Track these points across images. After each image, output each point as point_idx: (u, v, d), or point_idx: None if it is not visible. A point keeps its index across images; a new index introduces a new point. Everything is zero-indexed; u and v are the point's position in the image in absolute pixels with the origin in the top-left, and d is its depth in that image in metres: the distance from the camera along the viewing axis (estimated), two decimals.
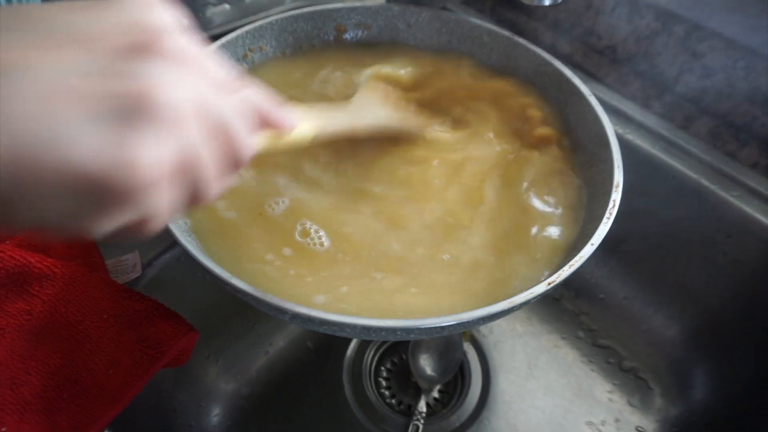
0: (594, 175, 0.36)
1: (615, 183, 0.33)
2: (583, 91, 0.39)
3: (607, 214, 0.31)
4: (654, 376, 0.51)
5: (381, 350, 0.53)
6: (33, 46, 0.17)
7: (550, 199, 0.36)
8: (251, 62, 0.45)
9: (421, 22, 0.47)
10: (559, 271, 0.28)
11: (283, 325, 0.52)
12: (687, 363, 0.49)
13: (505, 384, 0.51)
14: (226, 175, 0.20)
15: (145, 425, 0.38)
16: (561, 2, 0.36)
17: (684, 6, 0.48)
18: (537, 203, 0.36)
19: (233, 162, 0.20)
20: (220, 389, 0.47)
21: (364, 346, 0.53)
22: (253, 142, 0.21)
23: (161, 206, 0.18)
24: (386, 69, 0.43)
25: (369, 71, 0.43)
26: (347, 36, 0.48)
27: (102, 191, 0.16)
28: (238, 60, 0.44)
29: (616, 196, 0.32)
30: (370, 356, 0.53)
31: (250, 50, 0.45)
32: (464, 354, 0.53)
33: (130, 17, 0.18)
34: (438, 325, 0.26)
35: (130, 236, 0.19)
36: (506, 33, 0.43)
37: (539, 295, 0.27)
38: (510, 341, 0.54)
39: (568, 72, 0.40)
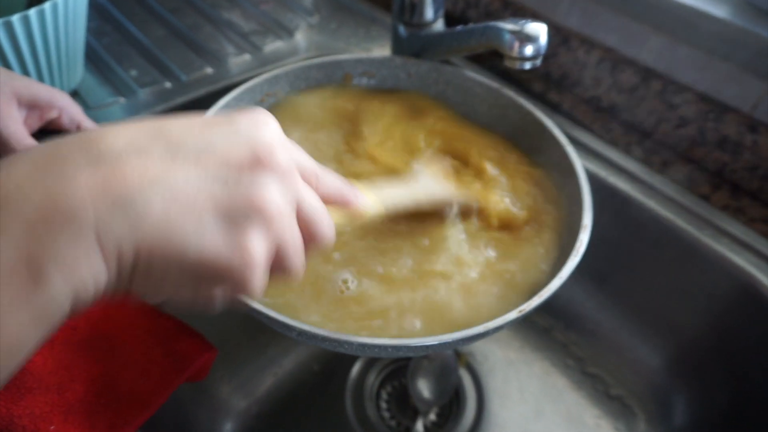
0: (571, 219, 0.40)
1: (583, 224, 0.37)
2: (560, 140, 0.43)
3: (574, 252, 0.35)
4: (638, 402, 0.54)
5: (382, 374, 0.57)
6: (172, 161, 0.21)
7: (537, 240, 0.40)
8: (266, 105, 0.50)
9: (420, 72, 0.52)
10: (530, 301, 0.32)
11: (292, 349, 0.56)
12: (668, 390, 0.52)
13: (498, 408, 0.54)
14: (310, 251, 0.25)
15: (167, 426, 0.42)
16: (540, 65, 0.41)
17: (660, 63, 0.54)
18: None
19: (316, 241, 0.25)
20: (233, 407, 0.51)
21: (366, 370, 0.57)
22: (332, 226, 0.26)
23: (259, 282, 0.22)
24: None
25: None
26: (353, 83, 0.53)
27: (220, 276, 0.21)
28: (255, 103, 0.49)
29: (584, 236, 0.36)
30: (371, 380, 0.56)
31: (267, 95, 0.50)
32: (460, 379, 0.56)
33: (247, 135, 0.23)
34: (423, 344, 0.30)
35: (226, 305, 0.24)
36: (495, 85, 0.48)
37: (511, 321, 0.31)
38: (503, 368, 0.57)
39: (548, 122, 0.45)
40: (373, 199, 0.32)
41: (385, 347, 0.30)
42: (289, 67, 0.50)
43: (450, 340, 0.30)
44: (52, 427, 0.31)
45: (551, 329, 0.60)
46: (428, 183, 0.41)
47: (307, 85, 0.52)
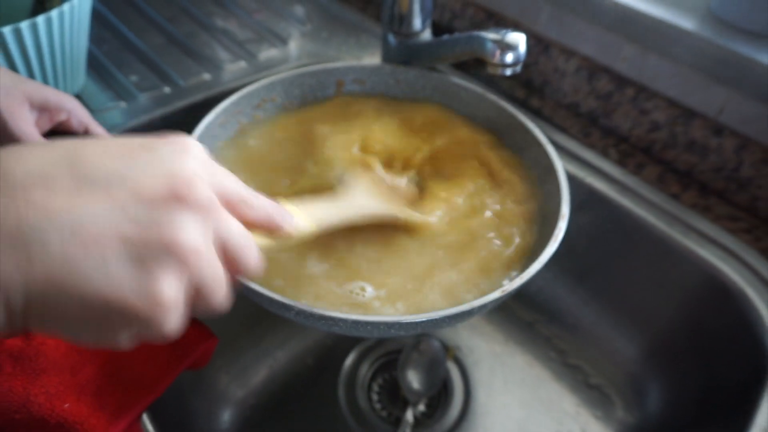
0: (549, 208, 0.43)
1: (562, 214, 0.40)
2: (539, 139, 0.46)
3: (553, 238, 0.38)
4: (616, 391, 0.57)
5: (374, 367, 0.59)
6: (79, 193, 0.19)
7: (515, 230, 0.43)
8: (264, 110, 0.53)
9: (408, 79, 0.55)
10: (511, 282, 0.35)
11: (286, 342, 0.58)
12: (644, 379, 0.55)
13: (483, 398, 0.57)
14: (235, 284, 0.25)
15: (169, 418, 0.44)
16: (520, 71, 0.44)
17: (633, 71, 0.57)
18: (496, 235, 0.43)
19: (242, 272, 0.24)
20: (230, 396, 0.53)
21: (358, 362, 0.59)
22: (257, 254, 0.25)
23: (174, 324, 0.21)
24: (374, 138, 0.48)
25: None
26: (345, 89, 0.56)
27: (126, 318, 0.20)
28: (253, 108, 0.52)
29: (562, 224, 0.39)
30: (363, 372, 0.58)
31: (263, 100, 0.53)
32: (448, 371, 0.59)
33: (166, 166, 0.21)
34: (412, 321, 0.32)
35: (144, 341, 0.22)
36: (479, 89, 0.51)
37: (495, 300, 0.34)
38: (489, 360, 0.60)
39: (529, 123, 0.48)
40: (304, 218, 0.31)
41: (377, 324, 0.33)
42: (284, 74, 0.53)
43: (438, 317, 0.33)
44: (66, 405, 0.33)
45: (535, 323, 0.63)
46: (359, 198, 0.40)
47: (301, 91, 0.54)
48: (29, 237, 0.18)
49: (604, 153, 0.58)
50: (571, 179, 0.56)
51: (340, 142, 0.48)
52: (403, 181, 0.46)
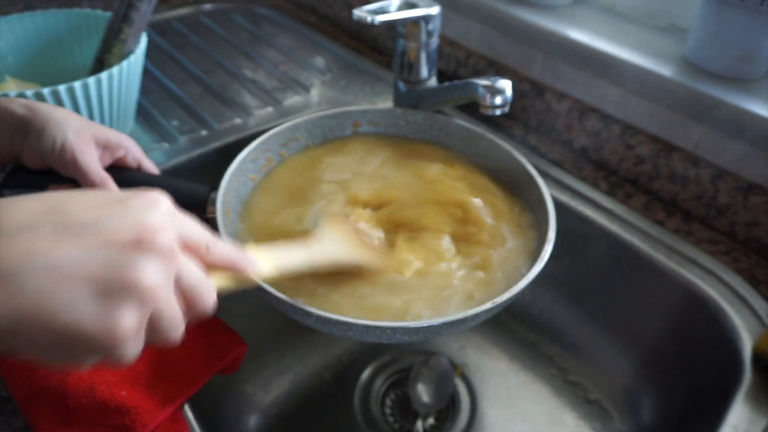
0: (540, 234, 0.49)
1: (548, 238, 0.45)
2: (532, 173, 0.52)
3: (539, 259, 0.43)
4: (613, 405, 0.61)
5: (387, 382, 0.64)
6: (57, 239, 0.23)
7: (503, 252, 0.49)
8: (289, 148, 0.60)
9: (417, 121, 0.62)
10: (501, 296, 0.40)
11: (306, 358, 0.64)
12: (637, 392, 0.59)
13: (489, 412, 0.61)
14: (192, 320, 0.28)
15: (205, 417, 0.49)
16: (508, 111, 0.51)
17: (618, 111, 0.64)
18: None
19: (197, 310, 0.28)
20: (257, 404, 0.58)
21: (372, 378, 0.64)
22: (211, 296, 0.28)
23: (131, 351, 0.25)
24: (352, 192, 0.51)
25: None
26: (361, 130, 0.63)
27: (88, 346, 0.23)
28: (280, 146, 0.59)
29: (548, 247, 0.44)
30: (377, 386, 0.63)
31: (289, 140, 0.60)
32: (456, 386, 0.63)
33: (134, 217, 0.25)
34: (416, 326, 0.38)
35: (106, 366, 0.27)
36: (478, 129, 0.58)
37: (486, 310, 0.39)
38: (494, 377, 0.65)
39: (522, 159, 0.54)
40: (267, 261, 0.35)
41: (384, 329, 0.38)
42: (306, 117, 0.61)
43: (437, 324, 0.38)
44: (123, 392, 0.39)
45: (538, 343, 0.68)
46: (330, 245, 0.42)
47: (322, 131, 0.62)
48: (10, 275, 0.22)
49: (595, 184, 0.64)
50: (566, 209, 0.62)
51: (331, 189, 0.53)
52: (376, 233, 0.49)
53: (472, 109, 0.75)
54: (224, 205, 0.48)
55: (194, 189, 0.48)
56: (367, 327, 0.39)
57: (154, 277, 0.24)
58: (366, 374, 0.64)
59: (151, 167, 0.51)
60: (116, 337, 0.23)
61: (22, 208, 0.24)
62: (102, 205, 0.25)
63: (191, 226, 0.28)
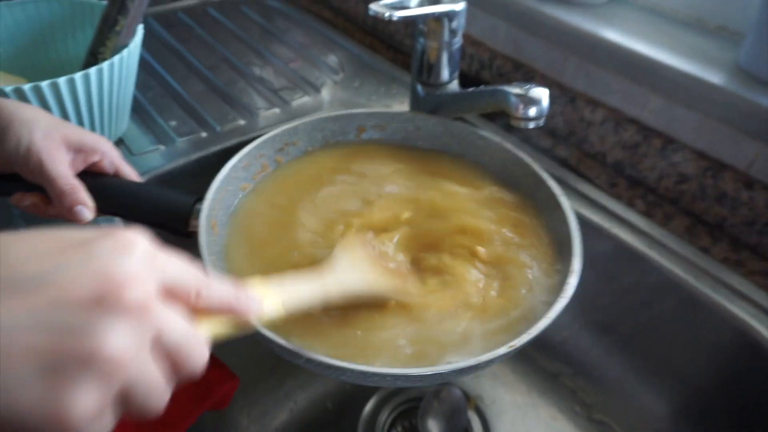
0: (563, 266, 0.43)
1: (572, 269, 0.40)
2: (555, 191, 0.46)
3: (562, 294, 0.38)
4: None
5: (393, 414, 0.59)
6: None
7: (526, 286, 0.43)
8: (286, 153, 0.54)
9: (427, 126, 0.56)
10: (519, 338, 0.35)
11: (307, 385, 0.58)
12: None
13: None
14: (178, 383, 0.23)
15: None
16: (543, 125, 0.45)
17: (660, 122, 0.57)
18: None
19: (184, 372, 0.23)
20: None
21: (378, 409, 0.58)
22: (202, 353, 0.23)
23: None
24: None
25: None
26: (365, 135, 0.58)
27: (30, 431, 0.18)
28: (276, 152, 0.53)
29: (573, 280, 0.39)
30: (383, 419, 0.58)
31: (286, 144, 0.54)
32: (469, 421, 0.58)
33: (98, 265, 0.20)
34: (418, 374, 0.33)
35: None
36: (496, 138, 0.52)
37: (501, 356, 0.34)
38: (511, 412, 0.59)
39: (543, 173, 0.48)
40: (274, 300, 0.30)
41: (383, 375, 0.33)
42: (306, 119, 0.55)
43: (444, 371, 0.33)
44: None
45: (559, 375, 0.62)
46: (347, 273, 0.37)
47: (323, 136, 0.56)
48: None
49: (630, 204, 0.58)
50: (597, 230, 0.56)
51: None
52: (398, 256, 0.43)
53: (493, 116, 0.69)
54: (210, 218, 0.43)
55: (177, 199, 0.43)
56: (364, 373, 0.33)
57: (120, 343, 0.19)
58: (371, 404, 0.59)
59: (131, 174, 0.45)
60: (68, 423, 0.18)
61: None
62: (54, 252, 0.20)
63: (177, 268, 0.23)
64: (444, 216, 0.47)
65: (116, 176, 0.44)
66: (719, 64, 0.55)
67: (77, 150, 0.42)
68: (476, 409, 0.59)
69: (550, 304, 0.38)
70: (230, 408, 0.51)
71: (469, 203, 0.49)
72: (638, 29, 0.60)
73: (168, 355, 0.22)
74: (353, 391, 0.59)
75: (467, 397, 0.59)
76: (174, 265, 0.23)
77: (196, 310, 0.24)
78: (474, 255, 0.43)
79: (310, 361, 0.33)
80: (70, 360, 0.18)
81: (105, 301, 0.19)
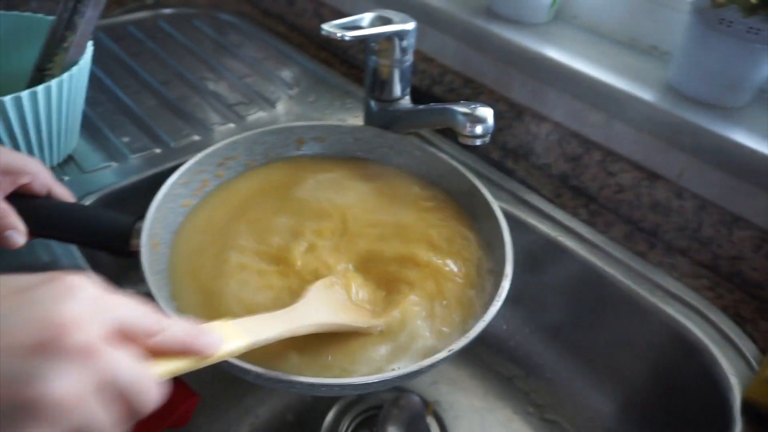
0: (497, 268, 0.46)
1: (505, 273, 0.42)
2: (487, 199, 0.49)
3: (497, 297, 0.40)
4: None
5: (354, 423, 0.59)
6: None
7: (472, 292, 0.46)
8: (227, 168, 0.54)
9: (366, 137, 0.58)
10: (457, 341, 0.37)
11: (267, 399, 0.59)
12: None
13: None
14: (133, 421, 0.23)
15: None
16: (490, 140, 0.47)
17: (599, 136, 0.61)
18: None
19: (137, 411, 0.23)
20: None
21: (338, 419, 0.59)
22: (152, 392, 0.23)
23: None
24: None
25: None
26: (305, 147, 0.58)
27: None
28: (216, 167, 0.53)
29: (506, 284, 0.42)
30: (344, 428, 0.59)
31: (226, 159, 0.54)
32: (428, 427, 0.59)
33: (38, 312, 0.20)
34: (365, 382, 0.34)
35: None
36: (432, 149, 0.54)
37: (441, 360, 0.36)
38: (468, 416, 0.61)
39: (477, 182, 0.51)
40: (235, 334, 0.30)
41: (331, 386, 0.34)
42: (246, 133, 0.55)
43: (389, 378, 0.35)
44: None
45: (513, 378, 0.64)
46: (313, 309, 0.39)
47: (263, 149, 0.56)
48: None
49: (574, 213, 0.61)
50: (544, 238, 0.59)
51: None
52: (362, 292, 0.45)
53: (448, 131, 0.71)
54: (151, 237, 0.43)
55: (116, 219, 0.43)
56: (312, 384, 0.34)
57: (64, 387, 0.19)
58: (332, 414, 0.60)
59: (65, 194, 0.45)
60: None
61: None
62: None
63: (129, 309, 0.24)
64: (384, 233, 0.49)
65: (49, 198, 0.43)
66: (651, 82, 0.59)
67: (4, 172, 0.40)
68: (435, 415, 0.60)
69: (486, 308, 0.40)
70: (190, 425, 0.51)
71: (408, 214, 0.51)
72: (578, 48, 0.63)
73: (118, 395, 0.22)
74: (313, 403, 0.60)
75: (425, 403, 0.61)
76: (125, 306, 0.23)
77: (153, 350, 0.25)
78: (412, 283, 0.45)
79: (259, 376, 0.34)
80: (18, 407, 0.19)
81: (48, 346, 0.20)
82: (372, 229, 0.49)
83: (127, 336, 0.23)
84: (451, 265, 0.46)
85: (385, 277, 0.46)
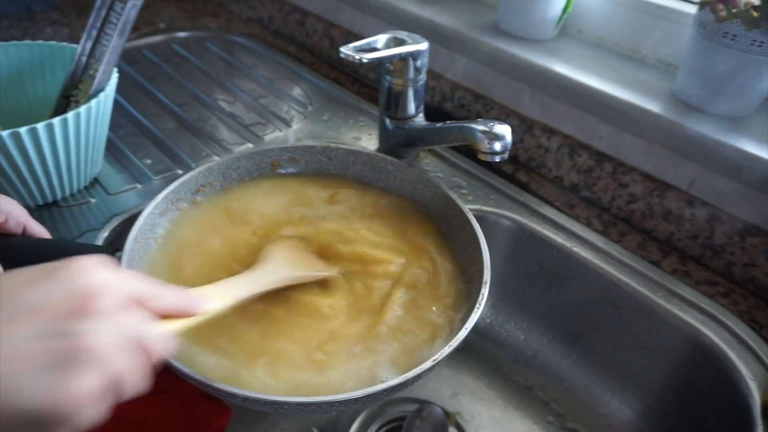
0: (474, 275, 0.47)
1: (484, 281, 0.43)
2: (463, 209, 0.51)
3: (477, 305, 0.41)
4: None
5: None
6: (4, 320, 0.24)
7: (449, 301, 0.47)
8: (203, 194, 0.55)
9: (339, 156, 0.59)
10: (441, 351, 0.38)
11: (291, 414, 0.60)
12: None
13: None
14: (147, 370, 0.28)
15: None
16: (508, 157, 0.49)
17: (610, 148, 0.63)
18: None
19: (151, 361, 0.28)
20: None
21: (364, 429, 0.60)
22: (165, 342, 0.29)
23: (92, 415, 0.25)
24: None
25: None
26: (280, 169, 0.59)
27: (46, 421, 0.24)
28: (192, 194, 0.54)
29: (485, 290, 0.42)
30: None
31: (202, 185, 0.55)
32: None
33: (68, 286, 0.25)
34: (352, 397, 0.35)
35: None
36: (404, 164, 0.56)
37: (427, 370, 0.37)
38: (490, 426, 0.62)
39: (451, 193, 0.53)
40: (219, 295, 0.36)
41: (319, 404, 0.35)
42: (220, 159, 0.56)
43: (376, 391, 0.36)
44: None
45: (532, 388, 0.65)
46: (277, 266, 0.44)
47: (238, 174, 0.57)
48: None
49: (588, 223, 0.63)
50: (558, 249, 0.60)
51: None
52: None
53: (462, 147, 0.73)
54: (130, 269, 0.44)
55: (93, 251, 0.44)
56: (300, 404, 0.36)
57: (104, 338, 0.25)
58: (356, 426, 0.61)
59: (40, 231, 0.46)
60: (76, 405, 0.23)
61: None
62: (31, 283, 0.26)
63: (136, 280, 0.29)
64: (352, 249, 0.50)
65: (24, 235, 0.44)
66: (657, 93, 0.61)
67: None
68: (457, 426, 0.61)
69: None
70: None
71: (378, 230, 0.53)
72: (584, 62, 0.65)
73: (140, 348, 0.27)
74: (337, 416, 0.61)
75: (447, 414, 0.62)
76: (132, 278, 0.29)
77: (157, 312, 0.30)
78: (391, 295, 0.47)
79: (246, 399, 0.35)
80: (70, 356, 0.24)
81: (83, 310, 0.25)
82: (332, 235, 0.52)
83: (137, 302, 0.28)
84: (421, 274, 0.49)
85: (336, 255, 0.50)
